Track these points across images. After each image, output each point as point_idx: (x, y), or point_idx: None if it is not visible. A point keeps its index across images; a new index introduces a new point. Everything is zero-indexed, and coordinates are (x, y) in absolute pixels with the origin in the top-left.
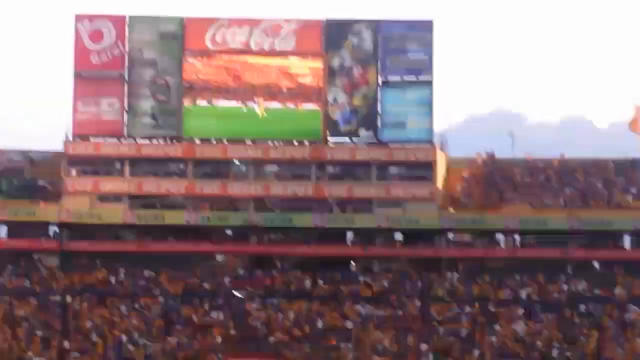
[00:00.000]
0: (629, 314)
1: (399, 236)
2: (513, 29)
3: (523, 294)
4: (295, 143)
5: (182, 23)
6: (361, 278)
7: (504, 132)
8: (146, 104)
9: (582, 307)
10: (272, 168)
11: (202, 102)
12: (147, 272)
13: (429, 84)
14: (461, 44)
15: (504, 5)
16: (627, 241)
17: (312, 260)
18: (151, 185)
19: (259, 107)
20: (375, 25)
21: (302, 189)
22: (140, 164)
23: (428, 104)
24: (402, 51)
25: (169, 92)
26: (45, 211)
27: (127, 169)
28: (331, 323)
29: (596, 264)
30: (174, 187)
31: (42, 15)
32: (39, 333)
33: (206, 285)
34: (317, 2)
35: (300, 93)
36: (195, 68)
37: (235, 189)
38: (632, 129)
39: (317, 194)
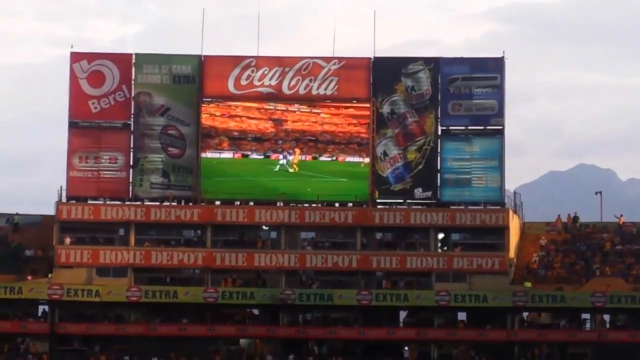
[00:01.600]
0: None
1: (462, 316)
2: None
3: None
4: (337, 205)
5: (200, 62)
6: None
7: (590, 191)
8: (156, 159)
9: None
10: (308, 235)
11: (223, 156)
12: None
13: (500, 133)
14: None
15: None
16: None
17: (357, 345)
18: (161, 256)
19: (294, 159)
20: (434, 64)
21: (344, 259)
22: (148, 231)
23: (498, 158)
24: (467, 95)
25: (184, 145)
26: (33, 287)
27: (132, 236)
28: None
29: None
30: (188, 258)
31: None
32: None
33: None
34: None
35: (343, 145)
36: (216, 116)
37: (264, 260)
38: None
39: (363, 265)
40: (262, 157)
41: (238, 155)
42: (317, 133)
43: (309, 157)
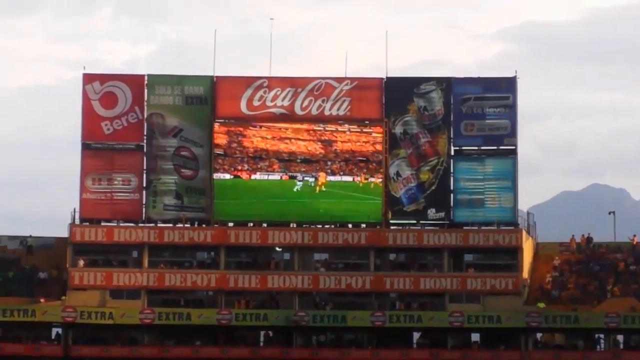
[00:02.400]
0: None
1: (476, 337)
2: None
3: None
4: (350, 226)
5: (213, 83)
6: None
7: (603, 211)
8: (169, 181)
9: None
10: (321, 256)
11: (235, 178)
12: None
13: (513, 153)
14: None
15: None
16: None
17: None
18: (174, 278)
19: (319, 180)
20: (447, 84)
21: (357, 280)
22: (162, 253)
23: (511, 178)
24: (480, 115)
25: (197, 166)
26: (47, 309)
27: (145, 258)
28: None
29: None
30: (202, 280)
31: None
32: None
33: None
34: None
35: (356, 166)
36: (229, 137)
37: (277, 281)
38: None
39: (377, 286)
40: (274, 179)
41: (251, 177)
42: (330, 155)
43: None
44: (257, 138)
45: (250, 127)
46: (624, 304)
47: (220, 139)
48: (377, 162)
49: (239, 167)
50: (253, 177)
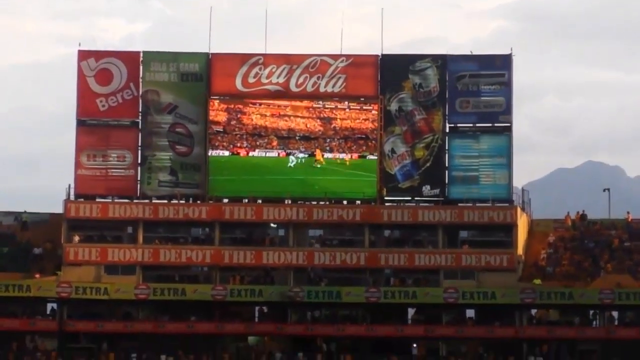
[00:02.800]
0: None
1: (470, 313)
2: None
3: None
4: (345, 202)
5: (208, 60)
6: None
7: (598, 188)
8: (164, 157)
9: None
10: (316, 232)
11: (233, 155)
12: (163, 357)
13: (508, 130)
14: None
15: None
16: None
17: (365, 342)
18: (169, 254)
19: (316, 156)
20: (442, 61)
21: (352, 257)
22: (156, 229)
23: (506, 155)
24: (475, 92)
25: (192, 143)
26: (42, 285)
27: (140, 234)
28: None
29: None
30: (197, 255)
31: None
32: None
33: None
34: (371, 34)
35: (351, 143)
36: (223, 114)
37: (272, 257)
38: None
39: (371, 263)
40: (269, 156)
41: (246, 154)
42: (325, 132)
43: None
44: (256, 115)
45: (250, 105)
46: (619, 281)
47: (220, 116)
48: (376, 139)
49: (238, 144)
50: (251, 154)
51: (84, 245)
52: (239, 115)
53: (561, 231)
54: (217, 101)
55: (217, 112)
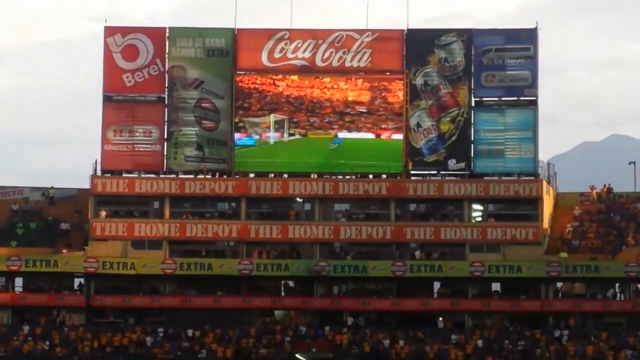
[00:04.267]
0: None
1: (496, 286)
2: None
3: None
4: (371, 177)
5: (234, 36)
6: (452, 337)
7: (624, 161)
8: (190, 133)
9: None
10: (342, 206)
11: (257, 130)
12: (190, 332)
13: (533, 104)
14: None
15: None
16: None
17: (391, 316)
18: (196, 229)
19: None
20: (468, 36)
21: (378, 231)
22: (183, 204)
23: (532, 129)
24: (500, 66)
25: (218, 118)
26: (69, 260)
27: (167, 209)
28: None
29: None
30: (223, 230)
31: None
32: None
33: (262, 348)
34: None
35: (377, 118)
36: (250, 89)
37: (298, 232)
38: None
39: (397, 237)
40: (296, 131)
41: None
42: (351, 107)
43: (344, 132)
44: (278, 91)
45: (273, 80)
46: None
47: (242, 92)
48: (398, 113)
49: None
50: (276, 130)
51: (110, 220)
52: (262, 91)
53: (587, 204)
54: (241, 76)
55: (242, 88)
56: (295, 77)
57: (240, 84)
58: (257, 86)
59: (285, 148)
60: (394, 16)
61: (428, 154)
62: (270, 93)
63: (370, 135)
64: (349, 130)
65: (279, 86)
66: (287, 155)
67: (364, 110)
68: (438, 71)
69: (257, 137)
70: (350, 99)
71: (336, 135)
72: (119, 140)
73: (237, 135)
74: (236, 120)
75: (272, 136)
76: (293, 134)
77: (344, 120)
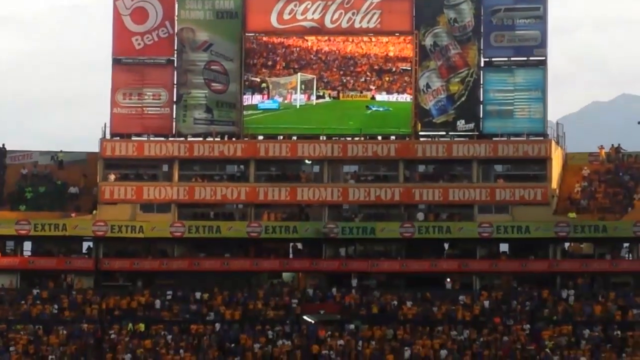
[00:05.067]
0: None
1: (504, 247)
2: None
3: None
4: (379, 138)
5: None
6: (459, 298)
7: (633, 121)
8: (199, 95)
9: None
10: (350, 168)
11: (281, 91)
12: (198, 295)
13: (543, 64)
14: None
15: None
16: None
17: (399, 277)
18: (204, 192)
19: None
20: None
21: (387, 192)
22: (192, 167)
23: (541, 89)
24: (510, 26)
25: (227, 80)
26: (78, 224)
27: (175, 172)
28: (422, 353)
29: None
30: (232, 193)
31: None
32: None
33: (270, 310)
34: None
35: (386, 79)
36: (259, 51)
37: (307, 194)
38: None
39: (406, 198)
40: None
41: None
42: (360, 68)
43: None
44: (288, 53)
45: (283, 42)
46: None
47: (251, 54)
48: (407, 74)
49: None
50: (285, 92)
51: (119, 183)
52: (272, 53)
53: (596, 164)
54: (251, 38)
55: (251, 50)
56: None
57: (262, 39)
58: (282, 41)
59: (314, 111)
60: None
61: (437, 115)
62: (298, 48)
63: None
64: (389, 92)
65: (307, 40)
66: (315, 120)
67: (408, 68)
68: (447, 32)
69: (280, 99)
70: (391, 54)
71: (373, 98)
72: (128, 104)
73: (257, 98)
74: (257, 79)
75: (299, 98)
76: (322, 96)
77: (383, 80)
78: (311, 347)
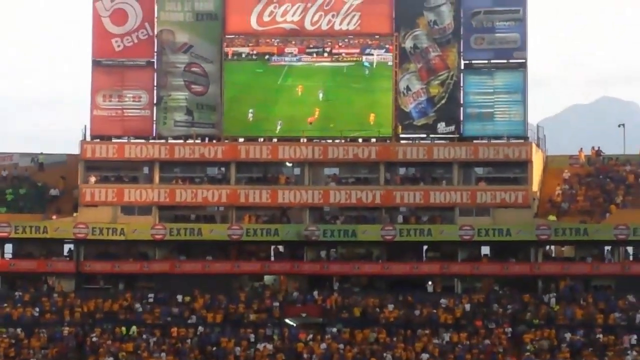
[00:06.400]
0: None
1: (485, 250)
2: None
3: (638, 318)
4: (360, 140)
5: None
6: (441, 301)
7: (613, 123)
8: (179, 97)
9: None
10: (331, 171)
11: (246, 94)
12: (180, 298)
13: (523, 66)
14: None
15: None
16: None
17: (381, 280)
18: (185, 194)
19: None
20: None
21: (368, 195)
22: (173, 169)
23: (521, 91)
24: (489, 29)
25: (207, 82)
26: (59, 226)
27: (156, 174)
28: (403, 356)
29: None
30: (213, 195)
31: None
32: None
33: (252, 313)
34: None
35: (366, 81)
36: (238, 53)
37: (288, 196)
38: None
39: (387, 201)
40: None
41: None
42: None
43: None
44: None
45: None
46: (633, 217)
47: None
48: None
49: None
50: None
51: (100, 186)
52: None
53: (576, 167)
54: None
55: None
56: None
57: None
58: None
59: None
60: None
61: (417, 118)
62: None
63: None
64: None
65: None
66: None
67: None
68: (427, 34)
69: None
70: None
71: None
72: (108, 106)
73: None
74: None
75: None
76: None
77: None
78: (295, 347)
